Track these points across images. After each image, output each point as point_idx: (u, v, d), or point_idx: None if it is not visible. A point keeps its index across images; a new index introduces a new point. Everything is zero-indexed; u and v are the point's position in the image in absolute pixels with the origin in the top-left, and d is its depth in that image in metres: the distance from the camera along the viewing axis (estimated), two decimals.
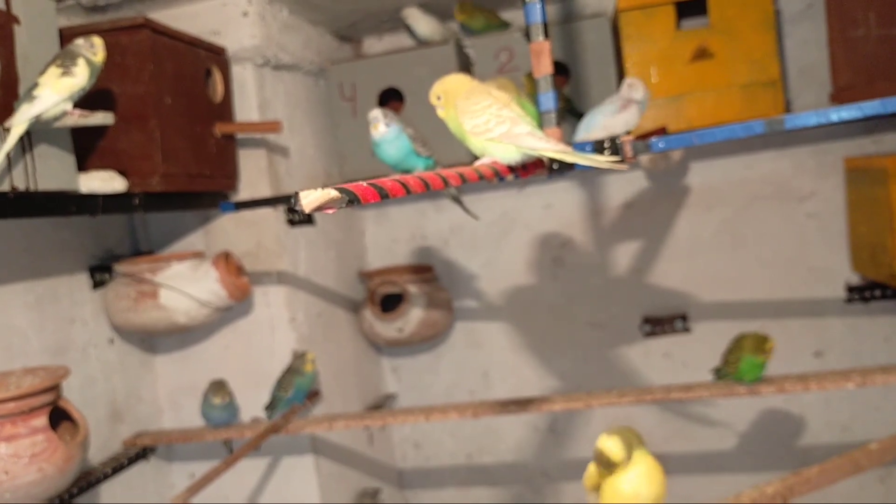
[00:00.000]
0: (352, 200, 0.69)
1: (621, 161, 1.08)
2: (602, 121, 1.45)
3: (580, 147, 1.24)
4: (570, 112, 2.11)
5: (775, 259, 2.35)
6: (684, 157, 2.33)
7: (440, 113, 1.11)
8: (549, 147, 1.02)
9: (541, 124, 1.20)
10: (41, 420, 1.34)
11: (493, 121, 1.05)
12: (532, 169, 1.09)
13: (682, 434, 2.44)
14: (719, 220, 2.38)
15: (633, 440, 1.08)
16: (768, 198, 2.35)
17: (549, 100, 1.17)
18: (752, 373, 1.61)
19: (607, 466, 1.10)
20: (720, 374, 1.70)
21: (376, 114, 1.39)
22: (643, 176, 2.40)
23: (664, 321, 2.41)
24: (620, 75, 2.12)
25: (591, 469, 1.11)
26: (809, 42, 2.24)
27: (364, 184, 0.72)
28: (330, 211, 0.68)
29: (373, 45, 2.57)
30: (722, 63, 2.02)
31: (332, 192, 0.64)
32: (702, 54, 2.01)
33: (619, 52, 2.11)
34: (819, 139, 2.29)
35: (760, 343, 1.60)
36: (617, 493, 1.06)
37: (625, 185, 2.43)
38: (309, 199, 0.63)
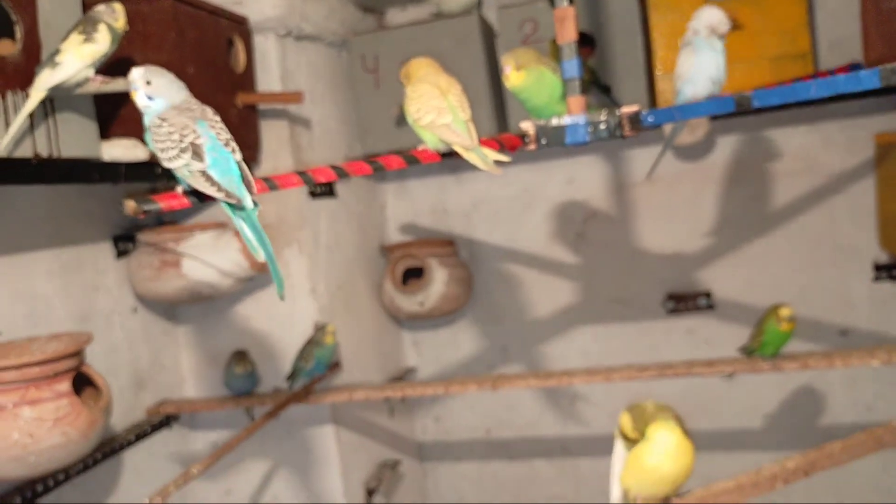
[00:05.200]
0: (150, 210, 0.94)
1: (507, 158, 1.13)
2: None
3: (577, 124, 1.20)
4: (595, 84, 2.08)
5: (802, 236, 2.32)
6: (711, 132, 2.29)
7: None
8: (456, 140, 1.09)
9: (564, 93, 1.18)
10: (65, 385, 1.35)
11: (423, 109, 1.11)
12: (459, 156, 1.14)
13: (704, 411, 2.43)
14: (746, 196, 2.34)
15: (656, 415, 1.08)
16: (796, 173, 2.30)
17: (573, 67, 1.15)
18: (776, 344, 1.59)
19: (627, 438, 1.10)
20: (747, 351, 1.68)
21: None
22: (669, 150, 2.37)
23: (687, 298, 2.39)
24: (647, 46, 2.08)
25: (622, 418, 1.12)
26: (841, 14, 2.18)
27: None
28: (141, 216, 0.94)
29: (396, 16, 2.55)
30: (751, 35, 1.98)
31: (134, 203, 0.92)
32: (732, 26, 1.96)
33: (646, 23, 2.07)
34: (850, 114, 2.24)
35: (781, 311, 1.57)
36: (640, 463, 1.05)
37: (649, 160, 2.39)
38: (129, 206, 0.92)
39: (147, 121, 1.00)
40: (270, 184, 1.01)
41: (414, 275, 2.44)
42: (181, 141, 0.96)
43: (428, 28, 2.20)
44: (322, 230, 2.12)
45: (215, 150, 0.97)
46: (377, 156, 1.09)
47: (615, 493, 1.15)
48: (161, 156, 0.97)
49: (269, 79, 1.98)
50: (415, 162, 1.09)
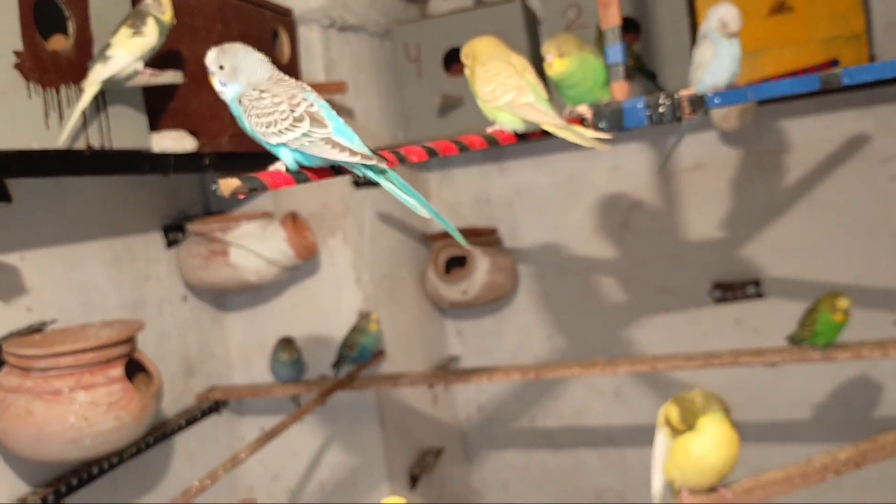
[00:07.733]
0: (255, 188, 0.81)
1: (608, 135, 1.08)
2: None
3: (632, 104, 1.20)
4: (640, 70, 2.05)
5: (855, 224, 2.25)
6: (759, 117, 2.24)
7: (466, 73, 1.13)
8: (545, 119, 1.03)
9: (608, 78, 1.17)
10: (117, 370, 1.39)
11: (499, 89, 1.06)
12: (538, 136, 1.10)
13: (752, 402, 2.38)
14: (796, 183, 2.29)
15: (706, 406, 1.06)
16: (849, 159, 2.24)
17: (616, 52, 1.14)
18: (829, 335, 1.56)
19: (673, 429, 1.09)
20: (795, 339, 1.64)
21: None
22: (716, 136, 2.32)
23: (735, 287, 2.35)
24: (693, 31, 2.05)
25: (668, 409, 1.11)
26: None
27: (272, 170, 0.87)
28: (241, 196, 0.80)
29: (438, 4, 2.55)
30: (802, 16, 1.93)
31: (237, 182, 0.79)
32: (780, 7, 1.92)
33: (692, 7, 2.03)
34: None
35: (839, 302, 1.54)
36: (685, 453, 1.04)
37: (696, 146, 2.35)
38: (226, 185, 0.78)
39: (232, 106, 0.90)
40: (399, 155, 0.94)
41: (457, 264, 2.44)
42: (293, 110, 0.86)
43: (470, 16, 2.19)
44: (366, 219, 2.14)
45: (333, 118, 0.87)
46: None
47: (657, 485, 1.14)
48: (266, 131, 0.87)
49: (313, 70, 2.00)
50: (495, 143, 1.05)
